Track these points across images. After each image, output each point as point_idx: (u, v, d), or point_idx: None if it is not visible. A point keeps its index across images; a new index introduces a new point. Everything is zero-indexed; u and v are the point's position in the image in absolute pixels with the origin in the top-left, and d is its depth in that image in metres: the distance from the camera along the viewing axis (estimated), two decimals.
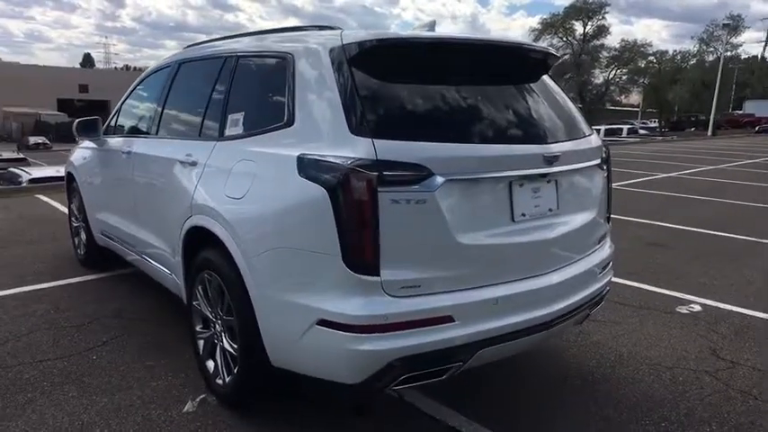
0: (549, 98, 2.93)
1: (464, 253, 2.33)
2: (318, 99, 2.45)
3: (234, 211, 2.63)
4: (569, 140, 2.81)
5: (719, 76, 40.14)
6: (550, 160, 2.56)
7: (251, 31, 3.67)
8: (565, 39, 53.36)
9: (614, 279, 3.27)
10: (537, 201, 2.60)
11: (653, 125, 53.07)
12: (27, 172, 14.47)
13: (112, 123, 4.61)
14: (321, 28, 2.89)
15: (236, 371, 2.74)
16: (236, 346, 2.72)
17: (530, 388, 3.20)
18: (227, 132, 2.92)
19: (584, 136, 2.98)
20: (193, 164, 3.06)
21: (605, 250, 3.08)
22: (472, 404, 2.94)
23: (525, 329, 2.49)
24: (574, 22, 52.93)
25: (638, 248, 6.26)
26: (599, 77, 55.63)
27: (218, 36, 3.97)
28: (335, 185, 2.17)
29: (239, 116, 2.89)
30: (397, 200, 2.17)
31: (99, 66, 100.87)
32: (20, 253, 5.65)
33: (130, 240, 4.07)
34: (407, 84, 2.45)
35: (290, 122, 2.50)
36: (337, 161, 2.19)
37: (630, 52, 53.43)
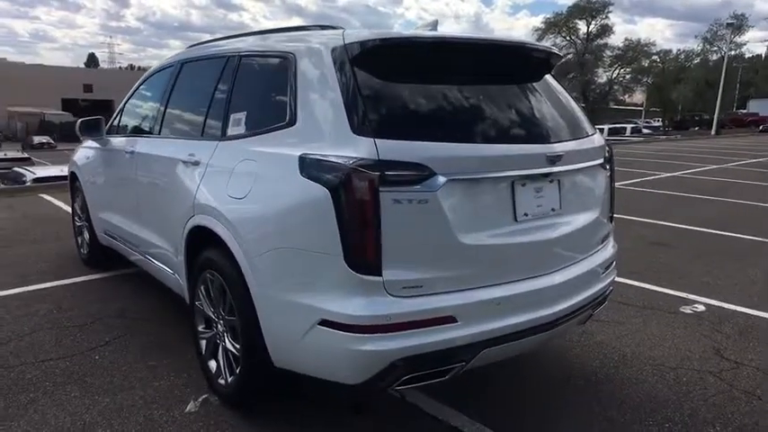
0: (551, 98, 2.92)
1: (466, 253, 2.33)
2: (320, 99, 2.44)
3: (236, 210, 2.63)
4: (572, 140, 2.79)
5: (723, 75, 40.07)
6: (553, 160, 2.55)
7: (254, 30, 3.67)
8: (568, 38, 53.26)
9: (617, 279, 3.26)
10: (539, 200, 2.59)
11: (656, 124, 53.10)
12: (31, 171, 14.52)
13: (115, 123, 4.62)
14: (323, 27, 2.89)
15: (238, 371, 2.74)
16: (238, 347, 2.72)
17: (533, 388, 3.19)
18: (230, 132, 2.92)
19: (587, 135, 2.96)
20: (196, 163, 3.06)
21: (608, 250, 3.07)
22: (475, 404, 2.93)
23: (528, 330, 2.48)
24: (577, 21, 52.81)
25: (642, 248, 6.24)
26: (602, 77, 55.55)
27: (221, 36, 3.98)
28: (337, 185, 2.16)
29: (241, 116, 2.89)
30: (399, 200, 2.16)
31: (103, 65, 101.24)
32: (24, 252, 5.66)
33: (133, 240, 4.08)
34: (409, 83, 2.44)
35: (293, 122, 2.50)
36: (339, 161, 2.19)
37: (634, 51, 53.29)
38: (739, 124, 50.01)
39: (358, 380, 2.25)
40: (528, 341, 2.53)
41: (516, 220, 2.50)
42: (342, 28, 2.66)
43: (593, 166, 2.92)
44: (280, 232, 2.42)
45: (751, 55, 59.99)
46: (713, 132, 39.05)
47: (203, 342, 3.05)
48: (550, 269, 2.60)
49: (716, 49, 53.09)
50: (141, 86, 4.44)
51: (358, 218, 2.15)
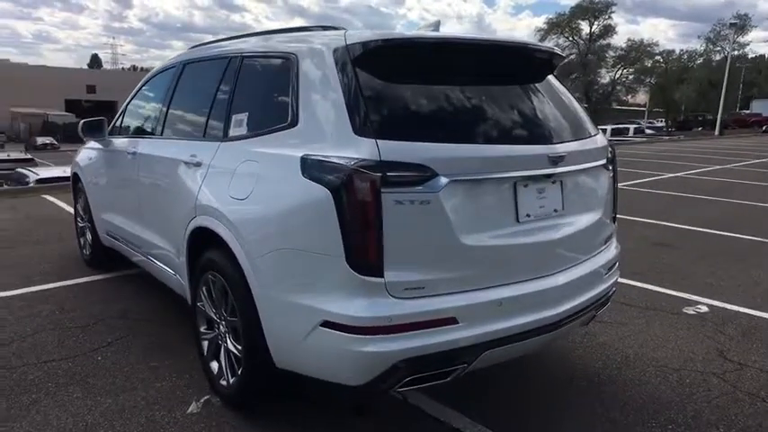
0: (554, 98, 2.91)
1: (468, 254, 2.32)
2: (322, 99, 2.44)
3: (238, 211, 2.63)
4: (575, 141, 2.79)
5: (726, 75, 39.97)
6: (555, 160, 2.55)
7: (256, 31, 3.67)
8: (571, 38, 53.19)
9: (620, 279, 3.25)
10: (542, 201, 2.58)
11: (660, 125, 52.94)
12: (34, 172, 14.58)
13: (118, 124, 4.62)
14: (326, 28, 2.88)
15: (240, 372, 2.73)
16: (240, 348, 2.72)
17: (535, 389, 3.18)
18: (232, 133, 2.92)
19: (590, 136, 2.96)
20: (198, 164, 3.06)
21: (611, 251, 3.06)
22: (477, 406, 2.93)
23: (530, 331, 2.47)
24: (580, 21, 52.74)
25: (645, 249, 6.23)
26: (605, 77, 55.47)
27: (223, 36, 3.98)
28: (339, 186, 2.16)
29: (243, 116, 2.89)
30: (400, 201, 2.16)
31: (106, 66, 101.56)
32: (27, 253, 5.67)
33: (135, 241, 4.08)
34: (411, 84, 2.44)
35: (294, 123, 2.50)
36: (341, 162, 2.18)
37: (637, 52, 53.18)
38: (742, 125, 49.86)
39: (360, 381, 2.25)
40: (531, 342, 2.53)
41: (518, 221, 2.49)
42: (344, 29, 2.66)
43: (596, 166, 2.91)
44: (281, 233, 2.42)
45: (754, 55, 59.69)
46: (716, 133, 38.95)
47: (205, 343, 3.05)
48: (553, 270, 2.59)
49: (719, 49, 52.99)
50: (144, 87, 4.45)
51: (360, 219, 2.14)
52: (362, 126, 2.23)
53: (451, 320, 2.27)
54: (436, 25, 3.07)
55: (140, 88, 4.49)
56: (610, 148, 3.09)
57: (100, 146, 4.71)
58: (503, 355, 2.52)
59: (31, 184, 12.32)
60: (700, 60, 55.41)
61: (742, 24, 49.60)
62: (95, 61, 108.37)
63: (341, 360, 2.25)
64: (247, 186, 2.59)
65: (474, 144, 2.41)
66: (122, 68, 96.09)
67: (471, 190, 2.35)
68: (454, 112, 2.49)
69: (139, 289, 4.56)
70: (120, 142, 4.39)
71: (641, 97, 66.20)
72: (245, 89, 3.00)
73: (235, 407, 2.85)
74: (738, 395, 3.10)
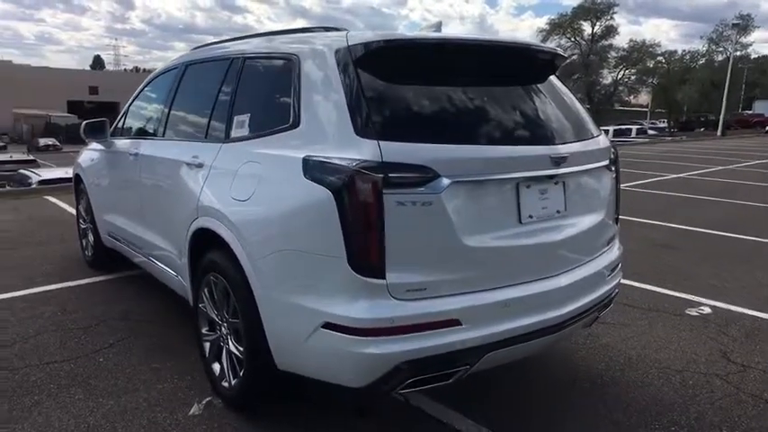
0: (556, 99, 2.91)
1: (470, 255, 2.31)
2: (324, 100, 2.44)
3: (239, 212, 2.62)
4: (577, 141, 2.78)
5: (729, 75, 39.86)
6: (558, 161, 2.54)
7: (258, 32, 3.66)
8: (573, 39, 53.18)
9: (623, 281, 3.24)
10: (544, 202, 2.58)
11: (662, 125, 52.79)
12: (36, 173, 14.62)
13: (120, 125, 4.62)
14: (327, 29, 2.88)
15: (241, 373, 2.73)
16: (241, 349, 2.71)
17: (538, 391, 3.17)
18: (233, 134, 2.92)
19: (592, 137, 2.95)
20: (200, 165, 3.05)
21: (614, 252, 3.05)
22: (479, 407, 2.92)
23: (533, 332, 2.46)
24: (582, 22, 52.73)
25: (647, 250, 6.21)
26: (607, 78, 55.47)
27: (225, 38, 3.98)
28: (341, 187, 2.15)
29: (245, 118, 2.88)
30: (402, 202, 2.15)
31: (109, 67, 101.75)
32: (29, 254, 5.67)
33: (137, 242, 4.08)
34: (413, 85, 2.43)
35: (296, 124, 2.49)
36: (342, 163, 2.18)
37: (639, 52, 53.17)
38: (745, 125, 49.75)
39: (362, 383, 2.24)
40: (533, 344, 2.52)
41: (521, 222, 2.49)
42: (345, 29, 2.66)
43: (599, 167, 2.90)
44: (283, 234, 2.41)
45: (757, 55, 59.45)
46: (719, 133, 38.83)
47: (207, 344, 3.04)
48: (556, 271, 2.58)
49: (721, 49, 52.99)
50: (146, 88, 4.45)
51: (361, 220, 2.14)
52: (364, 127, 2.22)
53: (454, 322, 2.26)
54: (438, 26, 3.07)
55: (142, 89, 4.49)
56: (612, 149, 3.08)
57: (102, 147, 4.71)
58: (506, 357, 2.51)
59: (34, 186, 12.35)
60: (702, 61, 55.42)
61: (744, 25, 49.58)
62: (98, 62, 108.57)
63: (343, 362, 2.25)
64: (249, 187, 2.58)
65: (476, 145, 2.41)
66: (125, 70, 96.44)
67: (473, 191, 2.34)
68: (456, 113, 2.48)
69: (141, 290, 4.56)
70: (122, 143, 4.39)
71: (643, 98, 66.25)
72: (246, 90, 3.00)
73: (237, 408, 2.84)
74: (742, 397, 3.09)
